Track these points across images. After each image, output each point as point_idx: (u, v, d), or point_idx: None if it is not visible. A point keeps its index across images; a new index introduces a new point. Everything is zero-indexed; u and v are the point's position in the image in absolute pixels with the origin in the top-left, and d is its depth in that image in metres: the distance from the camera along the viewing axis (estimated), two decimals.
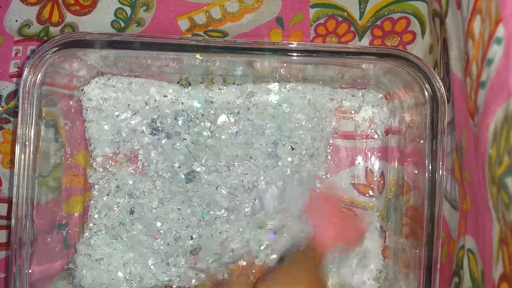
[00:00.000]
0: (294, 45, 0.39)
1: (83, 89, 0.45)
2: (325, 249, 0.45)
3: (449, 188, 0.40)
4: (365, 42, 0.46)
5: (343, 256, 0.46)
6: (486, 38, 0.30)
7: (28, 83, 0.39)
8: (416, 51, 0.46)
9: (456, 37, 0.37)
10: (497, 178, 0.29)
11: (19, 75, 0.46)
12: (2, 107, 0.46)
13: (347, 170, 0.47)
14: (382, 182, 0.46)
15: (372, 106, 0.46)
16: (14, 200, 0.38)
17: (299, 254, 0.44)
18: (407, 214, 0.43)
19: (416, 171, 0.42)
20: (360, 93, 0.46)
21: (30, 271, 0.39)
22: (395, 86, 0.44)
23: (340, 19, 0.46)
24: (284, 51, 0.39)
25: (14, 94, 0.46)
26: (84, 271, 0.45)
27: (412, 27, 0.46)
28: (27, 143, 0.38)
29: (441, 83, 0.39)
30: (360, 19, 0.46)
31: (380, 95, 0.46)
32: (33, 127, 0.39)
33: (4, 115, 0.46)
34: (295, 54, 0.39)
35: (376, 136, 0.46)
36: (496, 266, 0.30)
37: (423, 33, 0.46)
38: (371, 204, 0.46)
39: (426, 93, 0.39)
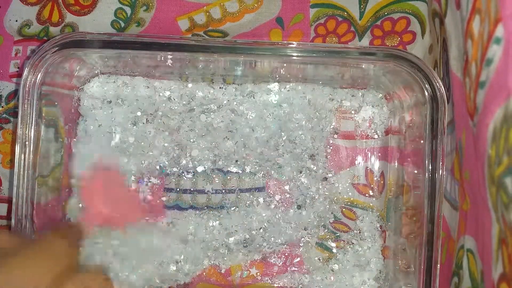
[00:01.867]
0: (294, 45, 0.39)
1: (83, 88, 0.46)
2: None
3: (449, 188, 0.40)
4: (365, 42, 0.46)
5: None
6: (485, 38, 0.29)
7: (28, 83, 0.39)
8: (416, 51, 0.46)
9: (455, 37, 0.37)
10: (496, 178, 0.29)
11: (19, 75, 0.46)
12: (2, 107, 0.46)
13: (347, 170, 0.47)
14: (382, 182, 0.46)
15: (372, 106, 0.46)
16: (14, 200, 0.39)
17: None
18: (407, 214, 0.43)
19: (416, 171, 0.42)
20: (360, 93, 0.46)
21: None
22: (395, 86, 0.44)
23: (340, 19, 0.46)
24: (284, 51, 0.39)
25: (14, 94, 0.46)
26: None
27: (412, 27, 0.46)
28: (27, 143, 0.39)
29: (441, 83, 0.39)
30: (360, 19, 0.46)
31: (380, 95, 0.46)
32: (33, 127, 0.39)
33: (4, 115, 0.46)
34: (295, 54, 0.39)
35: (376, 136, 0.46)
36: (496, 266, 0.30)
37: (423, 33, 0.46)
38: (371, 204, 0.46)
39: (426, 93, 0.39)
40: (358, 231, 0.46)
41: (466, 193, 0.36)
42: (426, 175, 0.39)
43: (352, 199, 0.46)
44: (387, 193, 0.46)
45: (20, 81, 0.39)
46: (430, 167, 0.39)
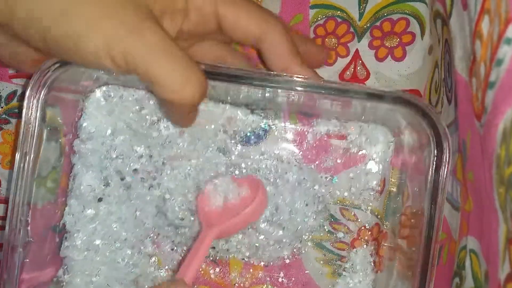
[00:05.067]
0: (300, 79, 0.38)
1: (89, 96, 0.45)
2: None
3: (450, 188, 0.40)
4: (364, 42, 0.46)
5: None
6: (495, 39, 0.29)
7: (31, 87, 0.38)
8: (415, 51, 0.46)
9: (461, 38, 0.37)
10: (506, 178, 0.29)
11: (19, 76, 0.46)
12: (2, 108, 0.46)
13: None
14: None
15: (377, 141, 0.46)
16: (11, 201, 0.38)
17: None
18: (406, 215, 0.43)
19: (416, 172, 0.42)
20: (366, 127, 0.46)
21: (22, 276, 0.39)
22: (401, 124, 0.43)
23: (339, 20, 0.46)
24: (290, 85, 0.38)
25: (14, 95, 0.46)
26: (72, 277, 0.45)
27: (412, 28, 0.46)
28: (27, 147, 0.38)
29: (448, 133, 0.38)
30: (359, 20, 0.46)
31: (386, 130, 0.46)
32: (35, 132, 0.38)
33: (4, 116, 0.46)
34: (300, 88, 0.38)
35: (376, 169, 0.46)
36: (502, 267, 0.30)
37: (422, 34, 0.46)
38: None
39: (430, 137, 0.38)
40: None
41: (469, 194, 0.37)
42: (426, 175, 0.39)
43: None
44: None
45: (21, 82, 0.38)
46: (431, 168, 0.39)
